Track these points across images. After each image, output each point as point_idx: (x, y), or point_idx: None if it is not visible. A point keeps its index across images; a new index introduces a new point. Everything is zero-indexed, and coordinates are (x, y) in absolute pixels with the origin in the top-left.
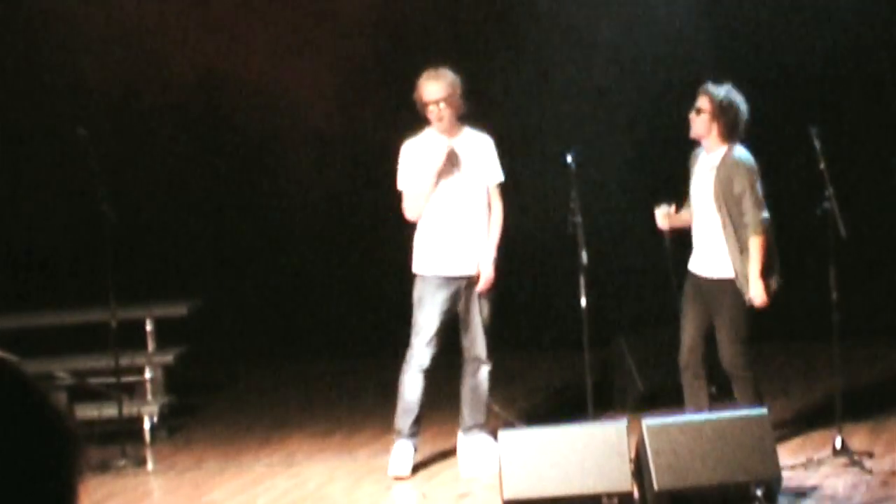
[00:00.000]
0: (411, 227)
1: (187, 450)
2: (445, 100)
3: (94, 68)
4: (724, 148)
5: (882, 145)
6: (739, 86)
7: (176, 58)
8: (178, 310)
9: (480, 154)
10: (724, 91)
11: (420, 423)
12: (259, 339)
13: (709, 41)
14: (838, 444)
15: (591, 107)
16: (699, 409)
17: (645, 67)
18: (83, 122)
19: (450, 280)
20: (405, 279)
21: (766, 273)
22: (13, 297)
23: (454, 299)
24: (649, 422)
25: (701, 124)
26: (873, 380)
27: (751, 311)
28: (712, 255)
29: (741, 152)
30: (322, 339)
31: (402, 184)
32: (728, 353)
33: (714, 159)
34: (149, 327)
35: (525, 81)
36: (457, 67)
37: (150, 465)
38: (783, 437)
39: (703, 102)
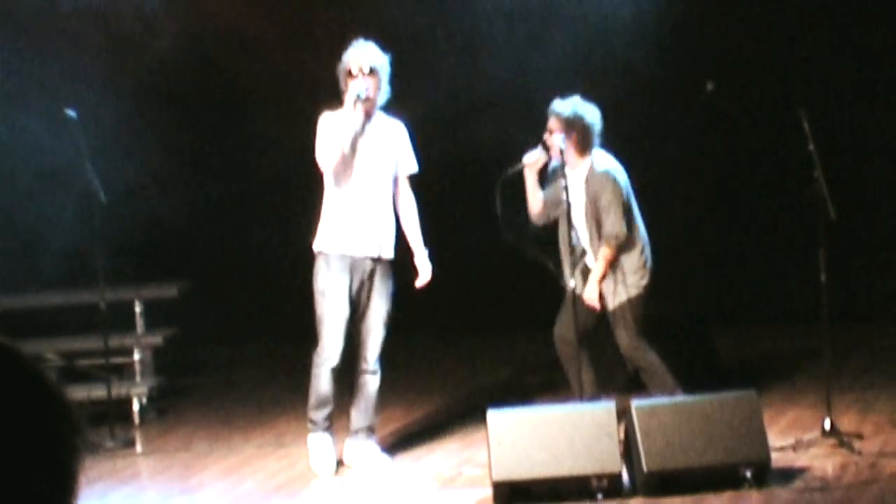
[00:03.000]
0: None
1: (176, 431)
2: (374, 72)
3: (83, 44)
4: (585, 160)
5: (871, 127)
6: (728, 66)
7: (168, 37)
8: (168, 291)
9: (395, 142)
10: (569, 106)
11: (333, 414)
12: (249, 320)
13: (697, 23)
14: (827, 426)
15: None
16: (585, 391)
17: (633, 47)
18: (71, 101)
19: (354, 262)
20: (400, 260)
21: (629, 278)
22: (1, 279)
23: (359, 285)
24: (638, 403)
25: (557, 143)
26: (862, 361)
27: (640, 306)
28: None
29: (606, 164)
30: (312, 320)
31: (321, 149)
32: (620, 342)
33: (581, 173)
34: (138, 309)
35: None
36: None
37: (138, 447)
38: (772, 419)
39: (552, 123)
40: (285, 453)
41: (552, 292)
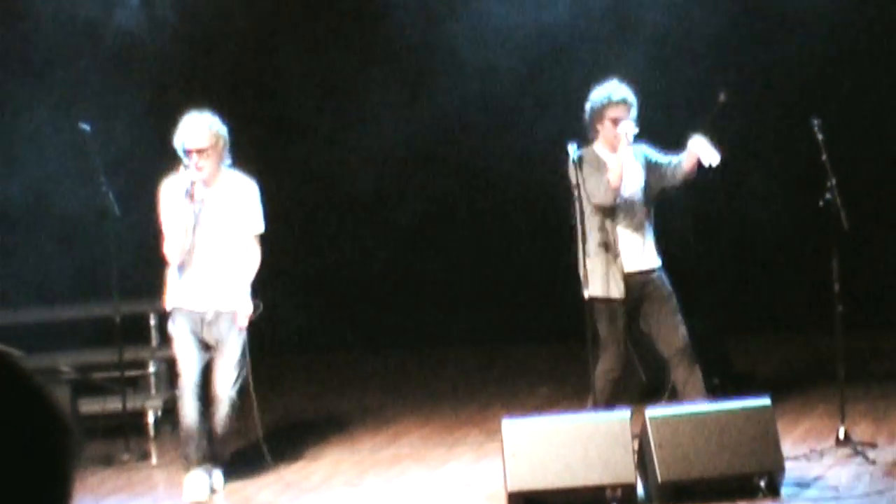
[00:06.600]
0: (417, 222)
1: None
2: (207, 151)
3: (95, 58)
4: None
5: (884, 135)
6: (741, 74)
7: (186, 49)
8: None
9: (242, 202)
10: (626, 91)
11: (210, 446)
12: (262, 332)
13: (711, 31)
14: (841, 435)
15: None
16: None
17: (641, 55)
18: (84, 116)
19: (192, 313)
20: (403, 275)
21: None
22: (17, 292)
23: (200, 331)
24: (652, 413)
25: (628, 128)
26: (876, 370)
27: None
28: (645, 247)
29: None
30: (325, 332)
31: (163, 224)
32: (683, 335)
33: (633, 153)
34: (152, 321)
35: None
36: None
37: (153, 459)
38: (786, 428)
39: (619, 112)
40: (300, 465)
41: (568, 301)
